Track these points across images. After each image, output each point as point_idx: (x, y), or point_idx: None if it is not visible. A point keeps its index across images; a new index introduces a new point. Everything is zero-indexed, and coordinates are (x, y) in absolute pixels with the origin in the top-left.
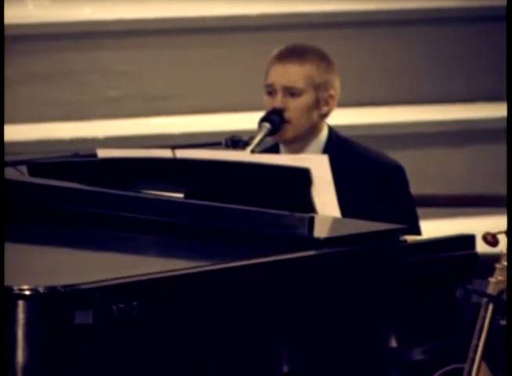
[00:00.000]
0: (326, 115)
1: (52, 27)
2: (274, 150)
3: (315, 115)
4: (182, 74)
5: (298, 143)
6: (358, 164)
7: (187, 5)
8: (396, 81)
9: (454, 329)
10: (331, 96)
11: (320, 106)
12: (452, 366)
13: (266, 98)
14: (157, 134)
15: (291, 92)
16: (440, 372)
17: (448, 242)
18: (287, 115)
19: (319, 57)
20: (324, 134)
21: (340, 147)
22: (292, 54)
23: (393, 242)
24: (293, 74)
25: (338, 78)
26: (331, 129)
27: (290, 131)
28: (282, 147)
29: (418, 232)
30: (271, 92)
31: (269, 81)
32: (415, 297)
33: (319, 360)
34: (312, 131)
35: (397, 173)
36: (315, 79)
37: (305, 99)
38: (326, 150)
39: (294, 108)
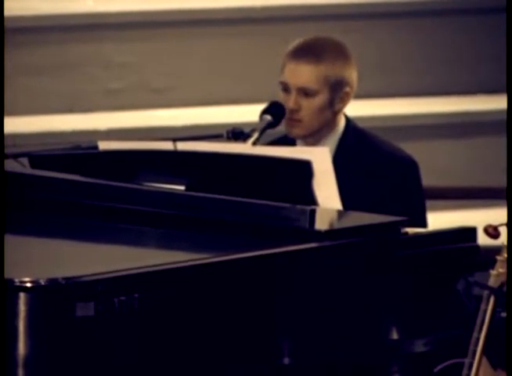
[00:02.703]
0: (340, 111)
1: (54, 19)
2: (291, 140)
3: (329, 113)
4: (185, 66)
5: (314, 137)
6: (373, 156)
7: None
8: (396, 74)
9: (455, 321)
10: (347, 94)
11: (334, 104)
12: (452, 361)
13: (281, 94)
14: (159, 126)
15: (305, 92)
16: (440, 366)
17: (450, 234)
18: (300, 115)
19: (336, 53)
20: (341, 126)
21: (356, 139)
22: (307, 52)
23: (394, 234)
24: (308, 74)
25: (355, 71)
26: (349, 121)
27: (302, 130)
28: (298, 140)
29: (425, 226)
30: (285, 88)
31: (283, 79)
32: (416, 289)
33: (320, 352)
34: (328, 126)
35: (411, 167)
36: (331, 78)
37: (319, 100)
38: (341, 141)
39: (308, 108)
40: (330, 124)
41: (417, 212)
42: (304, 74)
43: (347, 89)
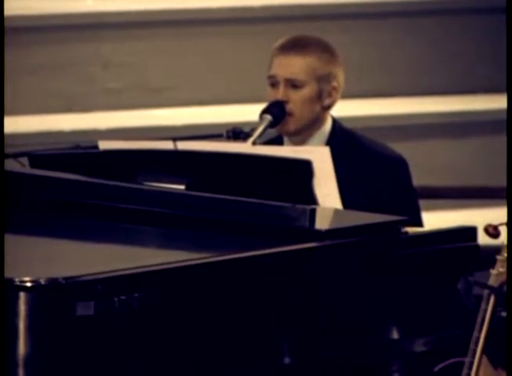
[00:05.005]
0: (329, 107)
1: (53, 19)
2: (277, 141)
3: (318, 107)
4: (184, 65)
5: (301, 135)
6: (362, 156)
7: None
8: (396, 73)
9: (455, 321)
10: (334, 88)
11: (323, 98)
12: (453, 360)
13: (269, 89)
14: (159, 126)
15: (293, 84)
16: (441, 365)
17: (450, 234)
18: (289, 107)
19: (322, 49)
20: (328, 126)
21: (343, 139)
22: (294, 46)
23: (394, 234)
24: (295, 65)
25: (342, 70)
26: (335, 121)
27: (292, 124)
28: (285, 139)
29: (420, 224)
30: (273, 83)
31: (271, 73)
32: (416, 288)
33: (320, 352)
34: (315, 123)
35: (400, 166)
36: (318, 71)
37: (307, 91)
38: (329, 141)
39: (296, 100)
40: (318, 122)
41: (409, 211)
42: (292, 65)
43: (335, 84)
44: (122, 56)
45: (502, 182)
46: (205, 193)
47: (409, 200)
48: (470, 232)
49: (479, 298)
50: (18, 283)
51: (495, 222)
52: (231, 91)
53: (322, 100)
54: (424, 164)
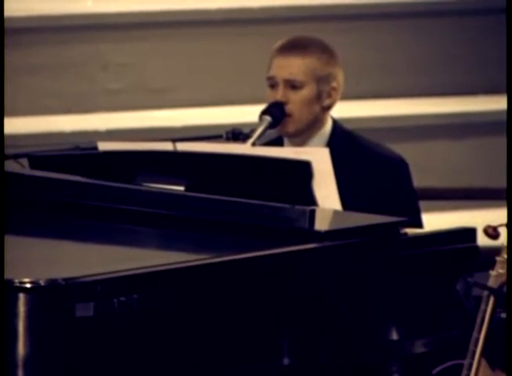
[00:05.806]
0: (328, 108)
1: (53, 20)
2: (278, 142)
3: (317, 108)
4: (184, 66)
5: (301, 136)
6: (362, 157)
7: None
8: (396, 74)
9: (455, 322)
10: (334, 89)
11: (322, 98)
12: (452, 363)
13: (268, 91)
14: (158, 127)
15: (292, 85)
16: (440, 368)
17: (449, 235)
18: (288, 108)
19: (321, 49)
20: (328, 127)
21: (344, 140)
22: (293, 47)
23: (394, 235)
24: (294, 66)
25: (341, 71)
26: (335, 122)
27: (291, 125)
28: (285, 140)
29: (420, 225)
30: (273, 84)
31: (271, 74)
32: (416, 290)
33: (320, 353)
34: (315, 124)
35: (400, 167)
36: (317, 71)
37: (306, 92)
38: (329, 142)
39: (295, 101)
40: (318, 123)
41: (409, 212)
42: (291, 66)
43: (334, 84)
44: (122, 57)
45: (501, 183)
46: (205, 194)
47: (409, 201)
48: (469, 233)
49: (478, 299)
50: (18, 284)
51: (494, 224)
52: (230, 92)
53: (321, 101)
54: (424, 165)
